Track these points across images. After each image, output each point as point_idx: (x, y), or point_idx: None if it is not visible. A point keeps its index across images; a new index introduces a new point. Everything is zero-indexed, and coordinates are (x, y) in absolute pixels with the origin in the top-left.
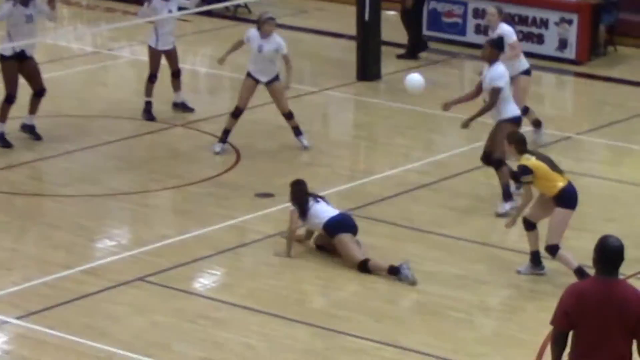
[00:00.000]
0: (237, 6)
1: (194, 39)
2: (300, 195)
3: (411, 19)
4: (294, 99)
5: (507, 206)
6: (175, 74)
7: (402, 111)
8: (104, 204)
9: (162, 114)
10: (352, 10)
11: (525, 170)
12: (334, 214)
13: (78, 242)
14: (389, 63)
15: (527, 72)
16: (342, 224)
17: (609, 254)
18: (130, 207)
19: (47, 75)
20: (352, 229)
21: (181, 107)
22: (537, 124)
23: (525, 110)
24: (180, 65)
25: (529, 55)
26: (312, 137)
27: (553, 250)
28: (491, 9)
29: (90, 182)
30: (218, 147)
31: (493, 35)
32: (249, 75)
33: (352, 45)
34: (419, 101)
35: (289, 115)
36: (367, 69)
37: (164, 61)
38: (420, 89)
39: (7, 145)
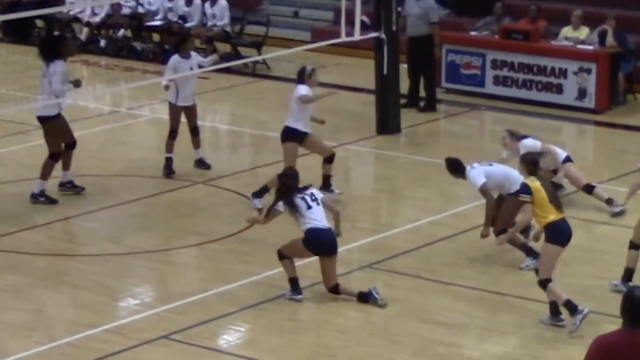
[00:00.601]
0: (256, 63)
1: (214, 96)
2: (287, 192)
3: (426, 70)
4: (312, 155)
5: (529, 261)
6: (194, 131)
7: (422, 164)
8: (127, 263)
9: (183, 171)
10: (370, 64)
11: (526, 189)
12: (317, 226)
13: (101, 301)
14: (408, 116)
15: (567, 160)
16: (322, 245)
17: (636, 305)
18: (152, 265)
19: None
20: (330, 249)
21: (198, 164)
22: (609, 202)
23: (590, 190)
24: (201, 122)
25: (548, 105)
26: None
27: (543, 284)
28: (503, 134)
29: (112, 241)
30: (258, 202)
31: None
32: (298, 133)
33: (372, 99)
34: (440, 153)
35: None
36: (387, 122)
37: (184, 118)
38: None
39: (53, 201)
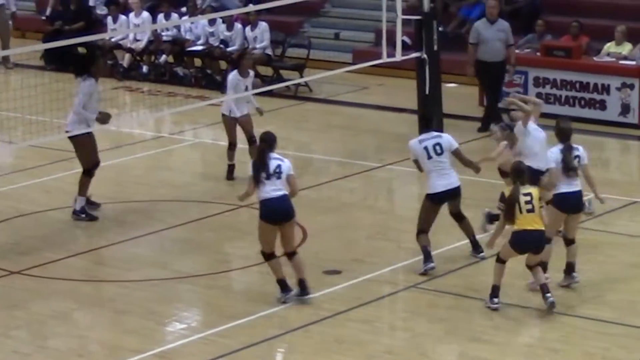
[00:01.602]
0: (298, 85)
1: (256, 119)
2: (261, 158)
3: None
4: (358, 175)
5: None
6: (250, 140)
7: (465, 183)
8: (172, 287)
9: (227, 195)
10: (412, 84)
11: (502, 197)
12: (273, 196)
13: (148, 326)
14: (451, 135)
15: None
16: (272, 212)
17: None
18: (198, 290)
19: (112, 161)
20: (285, 216)
21: None
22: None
23: None
24: (243, 145)
25: (592, 121)
26: (378, 212)
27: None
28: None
29: (158, 266)
30: None
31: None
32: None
33: (414, 119)
34: (482, 173)
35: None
36: None
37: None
38: None
39: (94, 218)
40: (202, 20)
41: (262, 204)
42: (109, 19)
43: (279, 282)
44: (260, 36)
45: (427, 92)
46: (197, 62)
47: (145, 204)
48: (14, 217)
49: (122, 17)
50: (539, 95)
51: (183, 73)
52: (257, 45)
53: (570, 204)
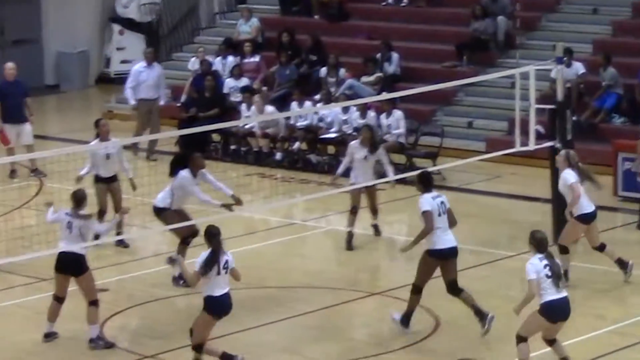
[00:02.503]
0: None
1: (389, 208)
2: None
3: None
4: (490, 264)
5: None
6: (374, 211)
7: (599, 273)
8: None
9: (359, 283)
10: (546, 173)
11: None
12: (216, 294)
13: None
14: None
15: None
16: (222, 308)
17: None
18: None
19: (246, 247)
20: (226, 312)
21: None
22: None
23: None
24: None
25: None
26: (511, 302)
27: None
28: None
29: (289, 352)
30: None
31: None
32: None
33: (548, 208)
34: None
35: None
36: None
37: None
38: None
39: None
40: (336, 108)
41: (211, 300)
42: (243, 106)
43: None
44: (395, 124)
45: None
46: (331, 149)
47: (278, 290)
48: (148, 302)
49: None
50: None
51: (316, 160)
52: (393, 132)
53: (558, 312)
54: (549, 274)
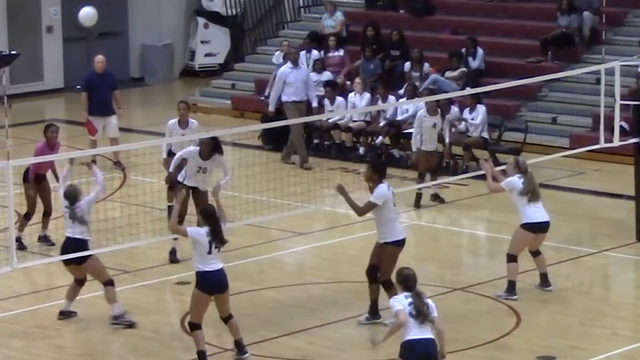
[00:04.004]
0: None
1: (471, 203)
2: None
3: None
4: (572, 261)
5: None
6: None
7: None
8: None
9: (442, 278)
10: (630, 170)
11: None
12: (213, 268)
13: None
14: None
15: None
16: (211, 284)
17: None
18: None
19: (328, 241)
20: (222, 288)
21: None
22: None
23: None
24: (458, 228)
25: None
26: (592, 299)
27: None
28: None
29: (367, 348)
30: None
31: None
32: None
33: (631, 205)
34: None
35: None
36: None
37: None
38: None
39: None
40: (420, 103)
41: (201, 276)
42: (326, 100)
43: (199, 353)
44: (478, 119)
45: None
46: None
47: (359, 285)
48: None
49: (339, 99)
50: None
51: (399, 155)
52: (475, 129)
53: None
54: (413, 312)
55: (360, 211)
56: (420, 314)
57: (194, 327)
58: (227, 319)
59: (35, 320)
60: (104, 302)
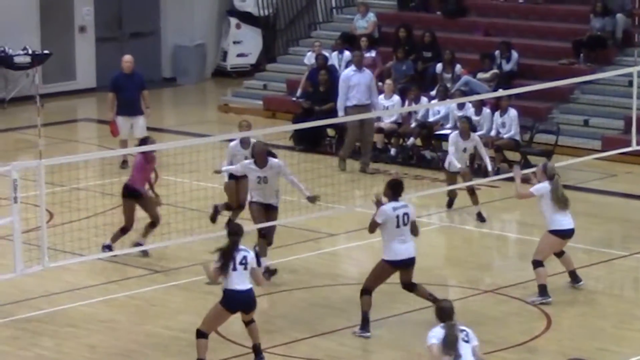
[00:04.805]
0: None
1: (502, 205)
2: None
3: None
4: (603, 264)
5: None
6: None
7: None
8: None
9: (472, 279)
10: None
11: None
12: (241, 288)
13: None
14: None
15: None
16: (235, 303)
17: None
18: None
19: (359, 242)
20: (247, 307)
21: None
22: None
23: None
24: (487, 230)
25: None
26: (623, 302)
27: None
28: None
29: (399, 349)
30: None
31: None
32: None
33: None
34: None
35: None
36: None
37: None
38: None
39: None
40: (451, 104)
41: (225, 293)
42: None
43: None
44: (509, 122)
45: None
46: (445, 145)
47: (389, 286)
48: (260, 295)
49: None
50: None
51: (430, 156)
52: (507, 131)
53: None
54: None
55: (368, 229)
56: (452, 347)
57: (201, 335)
58: (248, 322)
59: (66, 320)
60: (136, 302)
